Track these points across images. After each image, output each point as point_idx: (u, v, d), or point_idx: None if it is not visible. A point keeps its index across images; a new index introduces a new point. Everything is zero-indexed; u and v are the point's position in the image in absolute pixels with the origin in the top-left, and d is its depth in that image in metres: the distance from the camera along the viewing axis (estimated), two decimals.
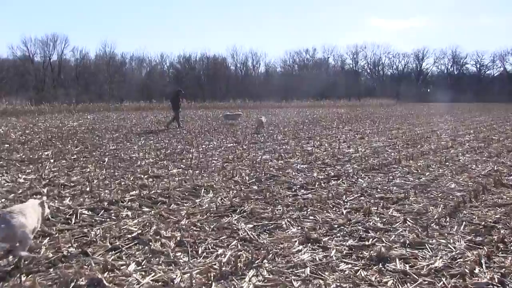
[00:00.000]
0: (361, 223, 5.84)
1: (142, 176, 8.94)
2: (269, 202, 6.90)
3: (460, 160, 10.90)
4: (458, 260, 4.60)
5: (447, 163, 10.42)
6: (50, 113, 31.56)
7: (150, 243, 5.04)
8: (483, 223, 5.85)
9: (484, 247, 4.91)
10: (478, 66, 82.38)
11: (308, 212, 6.33)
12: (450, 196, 7.30)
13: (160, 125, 21.25)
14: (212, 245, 5.09)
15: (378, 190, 7.75)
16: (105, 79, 63.70)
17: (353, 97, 61.05)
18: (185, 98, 30.83)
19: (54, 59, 64.41)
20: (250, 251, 4.81)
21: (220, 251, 4.90)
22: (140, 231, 5.43)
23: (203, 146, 13.54)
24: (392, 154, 11.93)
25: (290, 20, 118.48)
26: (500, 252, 4.80)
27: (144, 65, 72.32)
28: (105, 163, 10.44)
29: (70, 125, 21.28)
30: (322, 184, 8.20)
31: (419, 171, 9.50)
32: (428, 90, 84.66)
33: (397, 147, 13.37)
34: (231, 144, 13.97)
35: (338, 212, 6.38)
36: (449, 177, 8.80)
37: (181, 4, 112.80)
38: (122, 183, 8.22)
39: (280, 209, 6.45)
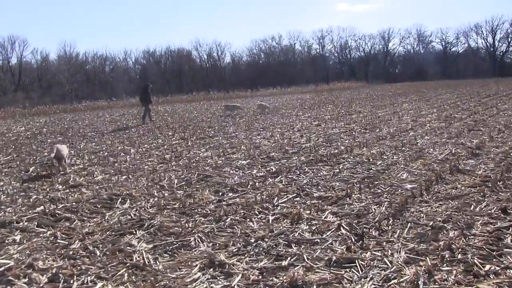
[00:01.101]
0: (285, 234, 4.82)
1: (60, 186, 7.72)
2: (186, 212, 5.80)
3: (418, 144, 10.04)
4: (392, 281, 3.57)
5: (403, 148, 9.54)
6: (2, 118, 29.62)
7: (16, 281, 3.89)
8: (431, 223, 4.91)
9: (427, 258, 3.94)
10: (443, 43, 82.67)
11: (227, 223, 5.27)
12: (400, 190, 6.38)
13: (112, 125, 19.83)
14: (93, 277, 3.96)
15: (319, 187, 6.76)
16: (66, 80, 61.27)
17: (321, 82, 60.21)
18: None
19: (14, 62, 61.42)
20: (137, 283, 3.71)
21: (99, 285, 3.77)
22: (12, 264, 4.26)
23: (146, 145, 12.31)
24: (346, 141, 11.01)
25: (254, 8, 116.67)
26: (444, 264, 3.83)
27: (107, 62, 69.87)
28: (28, 173, 9.18)
29: (16, 130, 19.68)
30: (257, 184, 7.16)
31: (371, 160, 8.57)
32: (396, 71, 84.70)
33: (353, 133, 12.44)
34: (177, 141, 12.77)
35: (263, 220, 5.36)
36: (402, 165, 7.90)
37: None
38: (34, 196, 6.99)
39: (194, 221, 5.35)
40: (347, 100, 27.06)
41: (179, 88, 62.10)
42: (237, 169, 8.46)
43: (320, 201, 6.01)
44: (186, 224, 5.31)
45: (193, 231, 5.08)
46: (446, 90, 34.86)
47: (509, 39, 77.52)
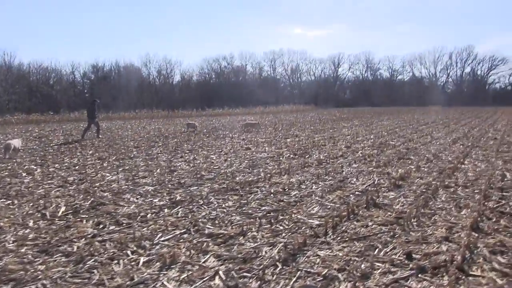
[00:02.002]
0: (146, 283, 3.94)
1: None
2: (48, 250, 4.83)
3: (343, 173, 9.38)
4: None
5: (325, 177, 8.85)
6: None
7: None
8: (324, 271, 4.13)
9: None
10: (390, 71, 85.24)
11: (87, 266, 4.33)
12: (304, 227, 5.53)
13: (35, 141, 18.22)
14: None
15: (216, 221, 5.87)
16: (4, 90, 57.96)
17: (270, 104, 60.07)
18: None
19: None
20: None
21: None
22: None
23: (56, 165, 11.07)
24: (270, 167, 10.21)
25: (207, 27, 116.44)
26: None
27: (52, 75, 66.89)
28: None
29: None
30: (149, 215, 6.20)
31: (287, 189, 7.80)
32: (346, 96, 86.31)
33: (281, 158, 11.68)
34: (92, 162, 11.58)
35: (133, 263, 4.37)
36: (318, 197, 7.14)
37: (90, 12, 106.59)
38: None
39: (49, 262, 4.34)
40: (289, 123, 26.61)
41: (126, 105, 60.14)
42: (138, 196, 7.49)
43: (208, 240, 5.11)
44: (37, 267, 4.25)
45: (40, 277, 4.04)
46: (389, 116, 35.28)
47: (448, 71, 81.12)
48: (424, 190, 7.56)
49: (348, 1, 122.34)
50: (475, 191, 7.48)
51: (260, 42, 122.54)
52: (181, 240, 5.21)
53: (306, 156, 12.09)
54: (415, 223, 5.71)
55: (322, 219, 5.98)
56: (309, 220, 5.97)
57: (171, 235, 5.36)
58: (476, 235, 5.18)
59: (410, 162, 10.81)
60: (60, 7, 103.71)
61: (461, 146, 13.83)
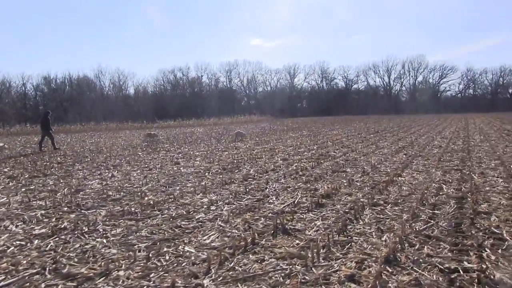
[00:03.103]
0: None
1: None
2: None
3: (265, 190, 8.27)
4: None
5: (243, 196, 7.74)
6: None
7: None
8: None
9: None
10: (345, 80, 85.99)
11: None
12: (184, 264, 4.40)
13: None
14: None
15: (85, 257, 4.69)
16: None
17: (225, 116, 58.97)
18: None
19: None
20: None
21: None
22: None
23: None
24: (189, 185, 9.05)
25: (163, 39, 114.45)
26: None
27: (2, 87, 63.55)
28: None
29: None
30: (11, 249, 4.92)
31: (192, 212, 6.66)
32: (304, 105, 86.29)
33: (206, 174, 10.49)
34: (2, 180, 10.09)
35: None
36: (222, 222, 5.94)
37: (41, 23, 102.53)
38: None
39: None
40: (235, 135, 25.46)
41: (80, 116, 57.68)
42: (20, 223, 6.31)
43: (60, 283, 3.88)
44: None
45: None
46: (341, 125, 34.83)
47: (402, 79, 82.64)
48: (347, 210, 6.52)
49: (303, 13, 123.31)
50: (405, 209, 6.52)
51: (216, 53, 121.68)
52: (26, 284, 3.91)
53: (235, 171, 10.95)
54: (323, 255, 4.64)
55: (213, 251, 4.80)
56: (198, 253, 4.80)
57: (18, 277, 4.06)
58: (390, 270, 4.12)
59: (344, 175, 9.87)
60: (7, 17, 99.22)
61: (403, 156, 13.07)
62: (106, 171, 11.58)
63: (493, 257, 4.50)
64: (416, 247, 4.88)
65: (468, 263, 4.37)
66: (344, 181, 9.08)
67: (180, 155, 15.29)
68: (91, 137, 27.35)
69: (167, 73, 76.29)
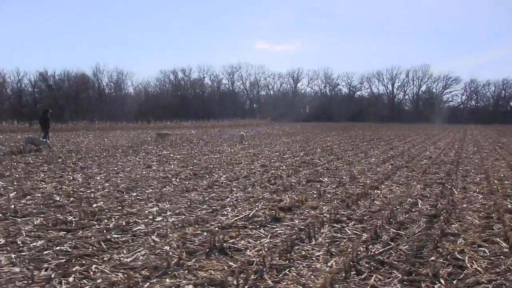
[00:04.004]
0: None
1: None
2: None
3: (225, 200, 7.63)
4: None
5: (199, 206, 7.13)
6: None
7: None
8: None
9: None
10: (349, 87, 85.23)
11: None
12: None
13: None
14: None
15: None
16: None
17: (228, 118, 58.36)
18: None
19: None
20: None
21: None
22: None
23: None
24: (149, 191, 8.56)
25: (166, 39, 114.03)
26: None
27: None
28: None
29: None
30: None
31: (133, 223, 6.02)
32: (306, 110, 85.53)
33: (174, 180, 9.88)
34: None
35: None
36: (158, 236, 5.27)
37: (36, 19, 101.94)
38: None
39: None
40: (227, 138, 24.82)
41: (73, 115, 57.16)
42: None
43: None
44: None
45: None
46: (338, 132, 34.07)
47: (405, 88, 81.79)
48: (303, 227, 5.81)
49: (310, 18, 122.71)
50: (368, 227, 5.79)
51: (221, 55, 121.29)
52: None
53: (205, 177, 10.28)
54: (251, 283, 3.93)
55: (131, 271, 4.11)
56: (109, 275, 4.13)
57: None
58: None
59: (318, 186, 9.16)
60: (3, 12, 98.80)
61: (389, 166, 12.34)
62: (70, 174, 10.90)
63: None
64: (363, 276, 4.18)
65: None
66: (314, 192, 8.37)
67: (159, 157, 14.61)
68: (78, 137, 26.73)
69: (168, 74, 75.77)
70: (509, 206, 7.23)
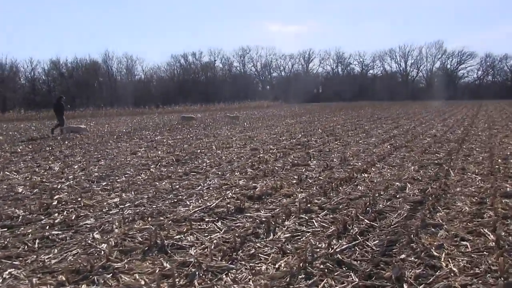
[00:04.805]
0: None
1: None
2: None
3: (198, 187, 7.02)
4: None
5: (165, 196, 6.55)
6: None
7: None
8: None
9: None
10: (361, 66, 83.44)
11: None
12: None
13: None
14: None
15: None
16: None
17: (239, 101, 57.63)
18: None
19: None
20: None
21: None
22: None
23: None
24: (118, 180, 7.96)
25: (176, 24, 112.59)
26: None
27: (5, 72, 63.22)
28: None
29: None
30: None
31: (81, 218, 5.44)
32: (320, 91, 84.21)
33: (153, 166, 9.28)
34: None
35: None
36: (97, 234, 4.71)
37: (46, 7, 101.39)
38: None
39: None
40: (229, 121, 24.22)
41: (84, 102, 57.02)
42: None
43: None
44: None
45: None
46: (347, 111, 33.15)
47: (419, 65, 79.63)
48: (265, 219, 5.15)
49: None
50: (339, 219, 5.10)
51: (231, 38, 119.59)
52: None
53: (188, 163, 9.73)
54: None
55: (48, 276, 3.55)
56: (21, 282, 3.53)
57: None
58: None
59: (303, 170, 8.48)
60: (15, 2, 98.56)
61: (388, 146, 11.56)
62: (50, 162, 10.42)
63: None
64: (312, 281, 3.51)
65: None
66: (295, 177, 7.69)
67: (151, 143, 14.07)
68: (80, 124, 26.37)
69: (178, 58, 75.07)
70: (508, 189, 6.44)
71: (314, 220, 5.21)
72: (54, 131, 18.56)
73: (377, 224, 5.02)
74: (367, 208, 5.58)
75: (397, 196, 6.30)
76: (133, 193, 6.95)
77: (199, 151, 11.62)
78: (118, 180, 8.02)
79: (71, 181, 8.02)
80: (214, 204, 5.98)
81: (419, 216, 5.20)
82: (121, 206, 6.12)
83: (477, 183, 7.05)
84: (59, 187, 7.59)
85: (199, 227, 5.08)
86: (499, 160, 9.02)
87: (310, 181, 7.50)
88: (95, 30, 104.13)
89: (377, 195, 6.26)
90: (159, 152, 11.78)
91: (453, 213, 5.41)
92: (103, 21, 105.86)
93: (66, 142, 14.96)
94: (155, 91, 66.93)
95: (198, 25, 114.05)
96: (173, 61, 76.13)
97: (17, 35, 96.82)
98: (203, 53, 77.68)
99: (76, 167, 9.74)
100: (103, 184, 7.75)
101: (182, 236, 4.73)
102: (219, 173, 8.44)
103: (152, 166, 9.47)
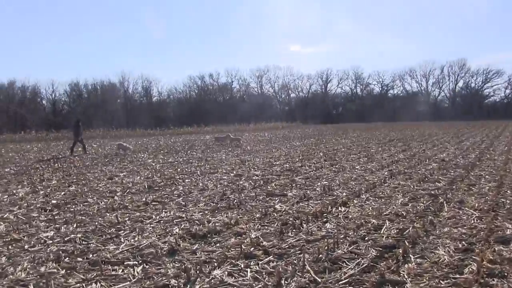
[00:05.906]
0: None
1: None
2: None
3: (143, 223, 6.10)
4: None
5: (104, 231, 5.68)
6: None
7: None
8: None
9: None
10: (380, 86, 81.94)
11: None
12: None
13: None
14: None
15: None
16: None
17: (256, 121, 56.91)
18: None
19: None
20: None
21: None
22: None
23: None
24: (71, 209, 7.06)
25: (198, 45, 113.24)
26: None
27: (18, 92, 64.33)
28: None
29: None
30: None
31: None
32: (339, 111, 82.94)
33: (119, 194, 8.47)
34: None
35: None
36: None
37: (66, 31, 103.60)
38: None
39: None
40: (227, 144, 23.45)
41: (103, 124, 57.31)
42: None
43: None
44: None
45: None
46: (360, 133, 31.98)
47: (441, 84, 77.66)
48: (190, 266, 4.22)
49: (339, 17, 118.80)
50: (280, 269, 4.13)
51: (247, 59, 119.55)
52: None
53: (161, 191, 9.05)
54: None
55: None
56: None
57: None
58: None
59: (276, 201, 7.56)
60: (33, 26, 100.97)
61: (385, 173, 10.50)
62: (20, 187, 9.82)
63: None
64: None
65: None
66: (262, 210, 6.74)
67: (138, 166, 13.36)
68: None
69: (195, 79, 75.20)
70: (508, 231, 5.33)
71: (248, 269, 4.23)
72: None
73: (322, 278, 4.01)
74: (320, 256, 4.58)
75: (367, 238, 5.26)
76: (74, 225, 6.13)
77: (178, 177, 10.77)
78: (71, 210, 7.26)
79: (23, 209, 7.28)
80: (147, 243, 5.10)
81: (382, 269, 4.17)
82: (49, 242, 5.32)
83: (472, 221, 5.99)
84: (4, 216, 6.83)
85: (113, 272, 4.17)
86: (508, 192, 7.87)
87: (276, 215, 6.53)
88: (111, 52, 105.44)
89: (342, 236, 5.26)
90: (138, 177, 10.98)
91: (426, 264, 4.39)
92: (120, 43, 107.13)
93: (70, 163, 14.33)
94: (172, 112, 66.87)
95: (215, 47, 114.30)
96: (190, 82, 76.29)
97: (38, 58, 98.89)
98: (220, 74, 77.65)
99: (42, 192, 9.04)
100: (54, 213, 6.97)
101: (82, 285, 3.82)
102: (182, 203, 7.61)
103: (118, 194, 8.70)
